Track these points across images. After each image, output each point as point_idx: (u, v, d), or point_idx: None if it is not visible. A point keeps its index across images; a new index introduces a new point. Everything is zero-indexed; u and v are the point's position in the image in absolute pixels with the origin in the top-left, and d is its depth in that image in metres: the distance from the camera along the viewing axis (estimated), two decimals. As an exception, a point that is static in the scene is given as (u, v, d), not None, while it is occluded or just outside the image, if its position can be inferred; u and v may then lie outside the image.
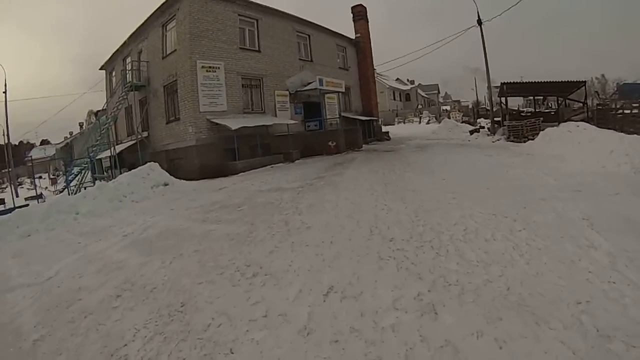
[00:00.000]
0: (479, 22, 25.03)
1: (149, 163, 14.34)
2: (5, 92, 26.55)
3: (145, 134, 20.30)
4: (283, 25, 21.63)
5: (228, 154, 17.03)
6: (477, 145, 19.14)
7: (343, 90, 23.77)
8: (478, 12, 24.93)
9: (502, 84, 22.37)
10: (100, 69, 25.55)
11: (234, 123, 16.41)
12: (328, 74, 23.38)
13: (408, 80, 79.03)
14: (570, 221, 5.28)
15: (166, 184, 13.38)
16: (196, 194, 11.83)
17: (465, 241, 4.92)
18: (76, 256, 6.53)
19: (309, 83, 21.77)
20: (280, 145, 19.56)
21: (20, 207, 14.37)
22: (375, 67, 32.40)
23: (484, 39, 25.04)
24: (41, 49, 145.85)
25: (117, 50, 23.10)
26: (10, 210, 13.86)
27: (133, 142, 20.18)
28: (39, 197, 20.46)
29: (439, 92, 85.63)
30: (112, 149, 19.61)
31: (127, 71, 20.70)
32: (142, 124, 20.64)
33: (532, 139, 16.54)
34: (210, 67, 17.19)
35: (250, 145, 17.95)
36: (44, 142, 66.12)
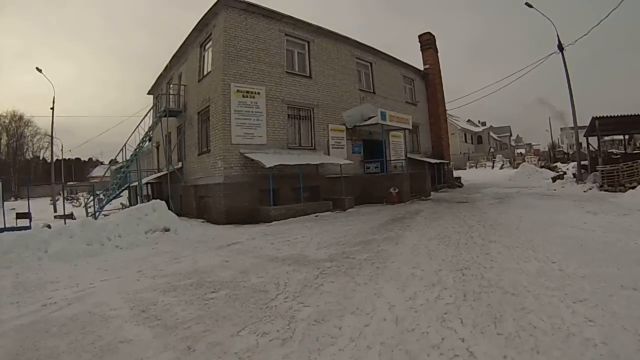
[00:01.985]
0: (560, 48, 20.59)
1: (153, 201, 11.57)
2: (52, 109, 25.90)
3: (179, 164, 17.73)
4: (339, 50, 18.45)
5: (265, 197, 13.78)
6: (567, 197, 14.70)
7: (410, 127, 20.03)
8: (558, 36, 20.52)
9: (594, 118, 17.76)
10: (149, 93, 23.70)
11: (271, 159, 13.18)
12: (393, 109, 19.80)
13: (479, 121, 73.84)
14: None
15: (166, 230, 10.41)
16: (190, 250, 8.61)
17: None
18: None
19: (370, 117, 18.31)
20: (332, 189, 16.15)
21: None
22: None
23: (566, 67, 20.56)
24: (122, 75, 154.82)
25: (161, 74, 21.08)
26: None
27: (163, 173, 17.65)
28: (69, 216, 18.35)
29: (511, 135, 78.88)
30: (139, 178, 17.07)
31: (163, 95, 18.39)
32: (178, 154, 18.10)
33: (632, 188, 13.86)
34: (247, 91, 14.22)
35: (294, 187, 14.68)
36: (112, 162, 68.06)
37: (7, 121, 57.68)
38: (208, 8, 14.54)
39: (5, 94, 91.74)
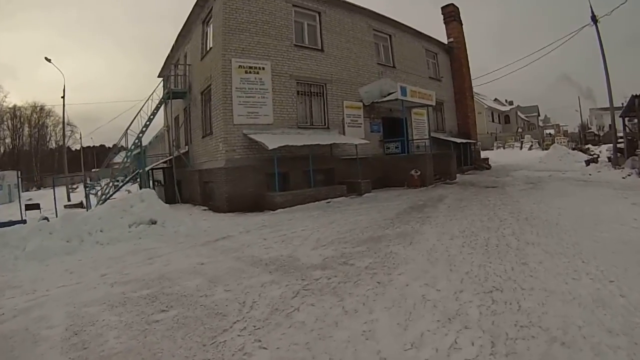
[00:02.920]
0: (594, 19, 18.11)
1: (142, 190, 10.39)
2: (63, 97, 25.36)
3: (186, 148, 16.56)
4: (355, 21, 16.55)
5: (272, 182, 12.32)
6: (605, 183, 12.63)
7: (433, 103, 17.99)
8: (591, 7, 18.00)
9: (634, 97, 15.60)
10: (159, 76, 22.32)
11: (276, 140, 11.72)
12: (415, 84, 17.83)
13: (506, 101, 70.01)
14: None
15: (153, 222, 9.09)
16: (171, 247, 7.39)
17: None
18: None
19: (390, 93, 16.43)
20: (347, 172, 14.59)
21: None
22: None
23: (601, 41, 18.02)
24: (148, 64, 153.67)
25: (169, 55, 19.68)
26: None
27: (168, 158, 16.57)
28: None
29: (538, 115, 74.32)
30: (143, 165, 15.94)
31: (169, 76, 17.12)
32: (185, 137, 16.91)
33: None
34: (250, 67, 12.72)
35: (305, 170, 13.16)
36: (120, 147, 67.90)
37: (28, 112, 57.83)
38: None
39: (31, 86, 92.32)
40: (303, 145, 12.28)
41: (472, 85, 25.36)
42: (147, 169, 16.67)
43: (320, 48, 15.00)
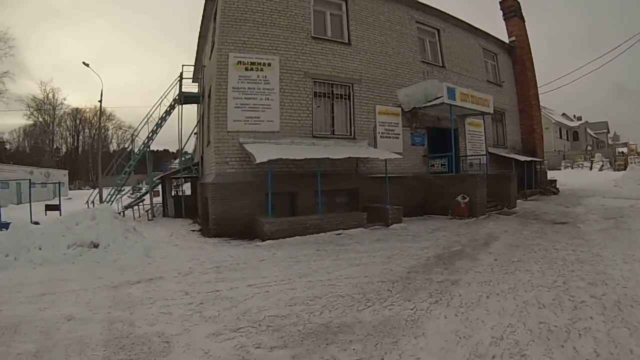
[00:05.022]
0: None
1: (98, 205, 8.18)
2: (100, 101, 24.90)
3: (200, 158, 14.11)
4: (393, 11, 12.95)
5: (276, 202, 9.32)
6: None
7: (490, 110, 13.78)
8: None
9: None
10: (193, 81, 20.20)
11: (271, 152, 8.71)
12: (470, 89, 13.68)
13: (575, 116, 61.81)
14: None
15: (95, 246, 6.90)
16: (85, 283, 5.36)
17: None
18: None
19: (437, 98, 12.70)
20: (378, 195, 11.05)
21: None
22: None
23: None
24: None
25: (196, 58, 17.21)
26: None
27: (175, 169, 14.31)
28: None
29: (608, 131, 64.73)
30: (149, 174, 13.81)
31: (182, 79, 14.79)
32: (201, 145, 14.46)
33: None
34: (253, 63, 9.81)
35: (316, 190, 9.74)
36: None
37: (90, 115, 60.09)
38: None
39: (95, 88, 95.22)
40: (305, 158, 8.98)
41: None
42: (156, 178, 14.49)
43: (346, 41, 11.65)
